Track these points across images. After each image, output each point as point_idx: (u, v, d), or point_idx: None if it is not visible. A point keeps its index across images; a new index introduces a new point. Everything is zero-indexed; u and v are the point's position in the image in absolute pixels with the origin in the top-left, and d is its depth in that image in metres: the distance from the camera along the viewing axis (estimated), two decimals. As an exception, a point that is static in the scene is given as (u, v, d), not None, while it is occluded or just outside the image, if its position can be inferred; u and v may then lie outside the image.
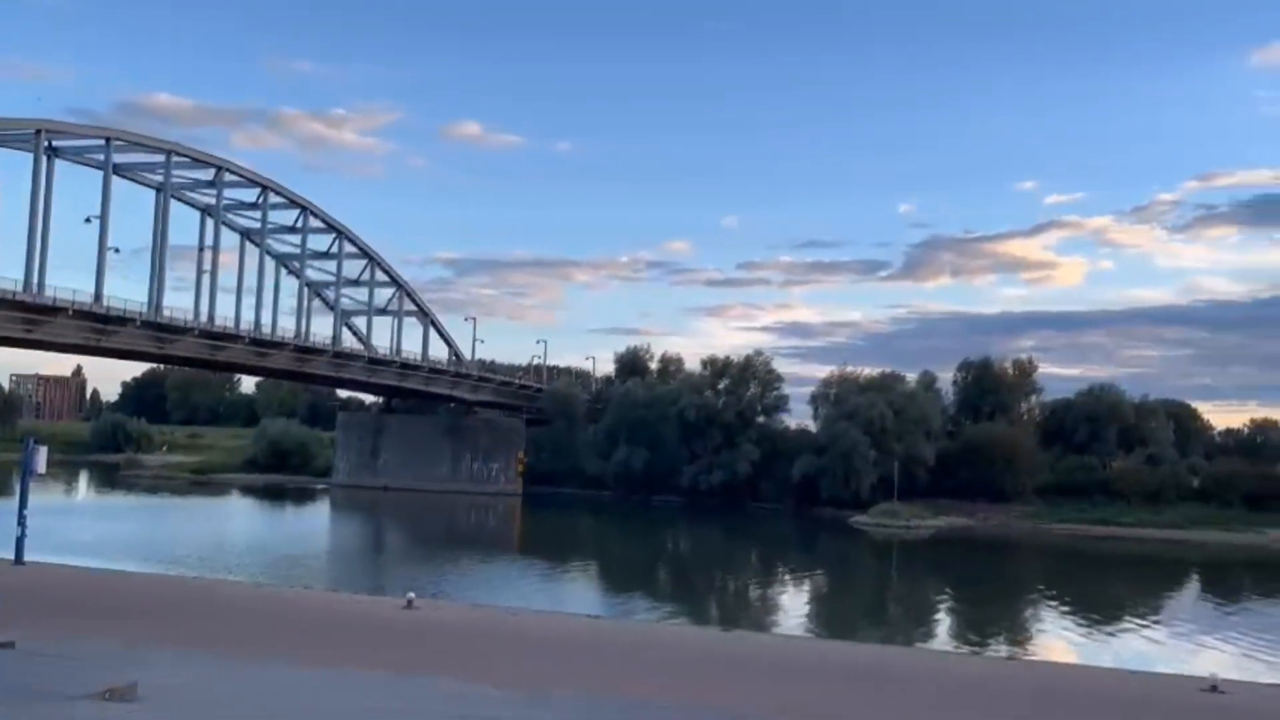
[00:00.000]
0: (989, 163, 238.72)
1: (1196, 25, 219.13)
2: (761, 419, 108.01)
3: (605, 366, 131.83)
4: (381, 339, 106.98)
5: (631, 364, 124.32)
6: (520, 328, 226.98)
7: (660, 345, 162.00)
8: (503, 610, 34.52)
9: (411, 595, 32.60)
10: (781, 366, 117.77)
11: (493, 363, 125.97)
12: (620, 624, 35.60)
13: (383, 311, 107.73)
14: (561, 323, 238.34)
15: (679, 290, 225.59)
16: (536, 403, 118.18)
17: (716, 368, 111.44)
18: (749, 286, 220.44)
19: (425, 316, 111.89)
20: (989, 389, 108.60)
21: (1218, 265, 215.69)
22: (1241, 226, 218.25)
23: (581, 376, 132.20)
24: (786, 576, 61.60)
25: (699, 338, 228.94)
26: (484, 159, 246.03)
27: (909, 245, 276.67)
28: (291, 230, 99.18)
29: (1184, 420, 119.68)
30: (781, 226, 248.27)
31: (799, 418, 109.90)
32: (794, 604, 49.77)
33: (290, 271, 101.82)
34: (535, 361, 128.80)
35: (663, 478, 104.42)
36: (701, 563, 68.47)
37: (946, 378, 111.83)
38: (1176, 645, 39.62)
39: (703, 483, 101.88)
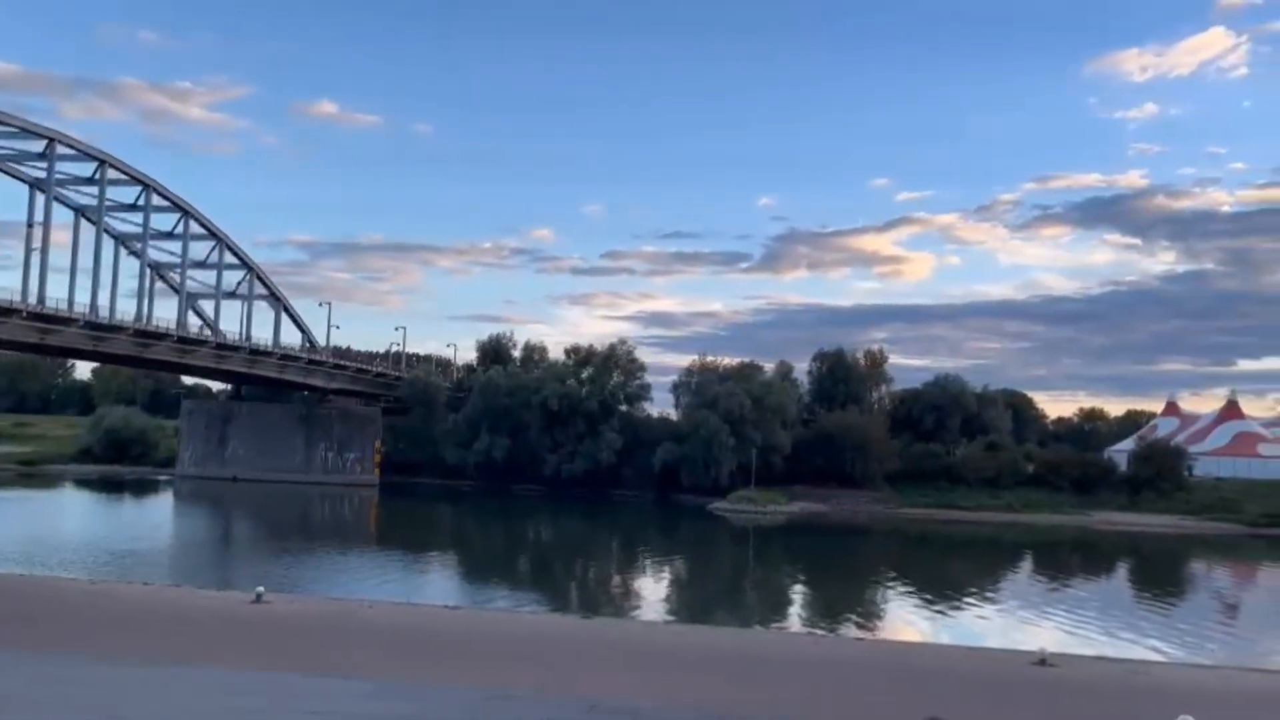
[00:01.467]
0: (845, 159, 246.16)
1: (1038, 36, 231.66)
2: (624, 408, 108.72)
3: (467, 354, 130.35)
4: (231, 324, 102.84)
5: (494, 352, 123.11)
6: (379, 314, 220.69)
7: (524, 333, 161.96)
8: (358, 602, 33.78)
9: (260, 589, 31.53)
10: (644, 356, 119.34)
11: (349, 349, 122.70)
12: (479, 613, 35.31)
13: (232, 295, 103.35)
14: (422, 309, 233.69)
15: (544, 278, 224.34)
16: (395, 391, 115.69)
17: (580, 356, 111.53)
18: (613, 275, 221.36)
19: (277, 301, 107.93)
20: (842, 379, 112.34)
21: (1053, 263, 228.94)
22: (1073, 226, 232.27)
23: (442, 364, 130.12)
24: (646, 563, 62.35)
25: (563, 326, 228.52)
26: (341, 139, 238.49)
27: (768, 238, 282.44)
28: (132, 208, 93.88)
29: (1021, 409, 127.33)
30: (645, 216, 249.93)
31: (661, 406, 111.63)
32: (654, 590, 50.40)
33: (131, 252, 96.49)
34: (394, 348, 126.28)
35: (525, 467, 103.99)
36: (562, 551, 68.57)
37: (803, 368, 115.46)
38: (1009, 622, 42.01)
39: (565, 471, 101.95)
